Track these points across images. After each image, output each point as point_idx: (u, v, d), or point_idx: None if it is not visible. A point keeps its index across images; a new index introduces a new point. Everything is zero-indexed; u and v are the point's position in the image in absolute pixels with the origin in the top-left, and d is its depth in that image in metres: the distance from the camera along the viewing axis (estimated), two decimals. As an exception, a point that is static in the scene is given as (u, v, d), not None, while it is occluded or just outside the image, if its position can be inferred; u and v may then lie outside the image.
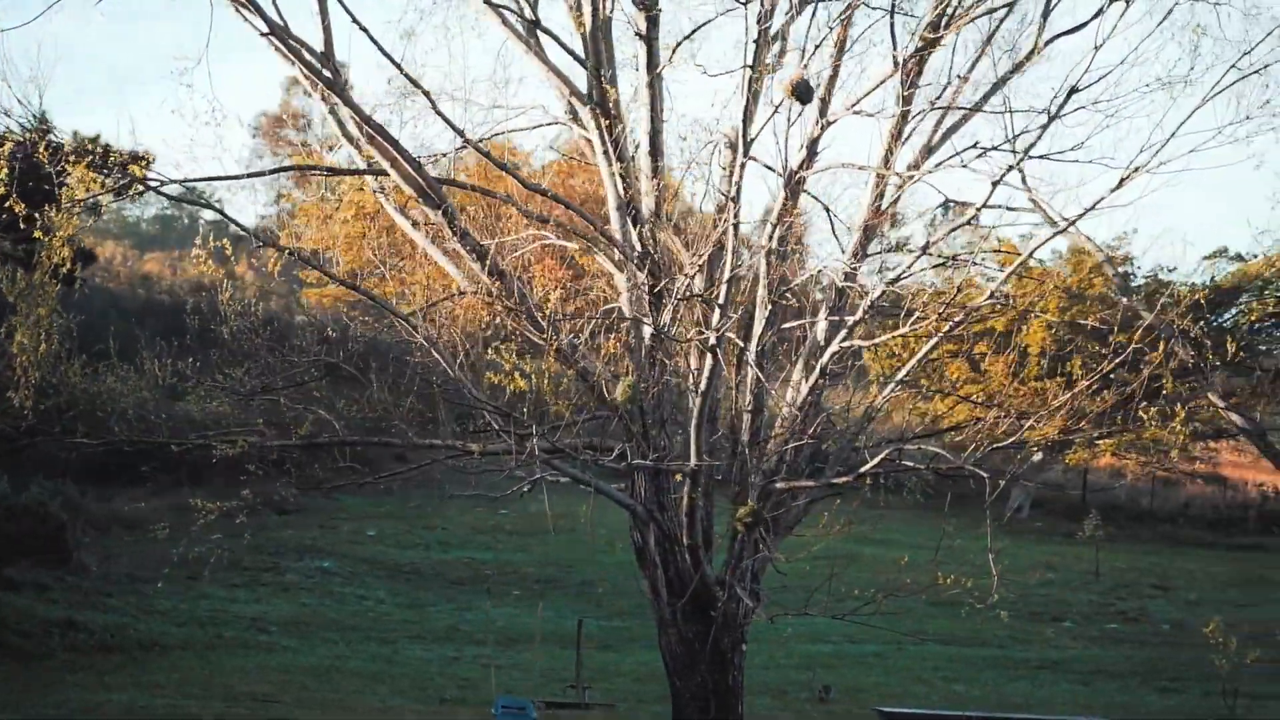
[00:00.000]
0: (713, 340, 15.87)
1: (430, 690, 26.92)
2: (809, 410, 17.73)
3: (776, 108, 16.06)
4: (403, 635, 32.18)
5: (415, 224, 18.32)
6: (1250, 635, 37.76)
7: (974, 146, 17.00)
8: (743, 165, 15.77)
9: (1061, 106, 15.64)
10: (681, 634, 17.74)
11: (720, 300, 15.94)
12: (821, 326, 18.12)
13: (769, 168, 17.99)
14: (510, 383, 16.23)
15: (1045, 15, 17.14)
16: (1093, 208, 16.04)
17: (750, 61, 15.33)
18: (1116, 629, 37.84)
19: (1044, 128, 15.80)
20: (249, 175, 17.97)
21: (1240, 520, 58.61)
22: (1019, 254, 18.01)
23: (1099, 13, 16.25)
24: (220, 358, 17.20)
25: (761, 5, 15.90)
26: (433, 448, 17.78)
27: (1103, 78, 15.73)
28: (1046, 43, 17.04)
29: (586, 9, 17.02)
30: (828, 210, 18.00)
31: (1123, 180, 15.80)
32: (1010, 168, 15.73)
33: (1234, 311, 48.05)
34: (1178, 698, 30.26)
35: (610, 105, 17.29)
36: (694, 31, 17.58)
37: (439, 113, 16.63)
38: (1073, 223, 16.91)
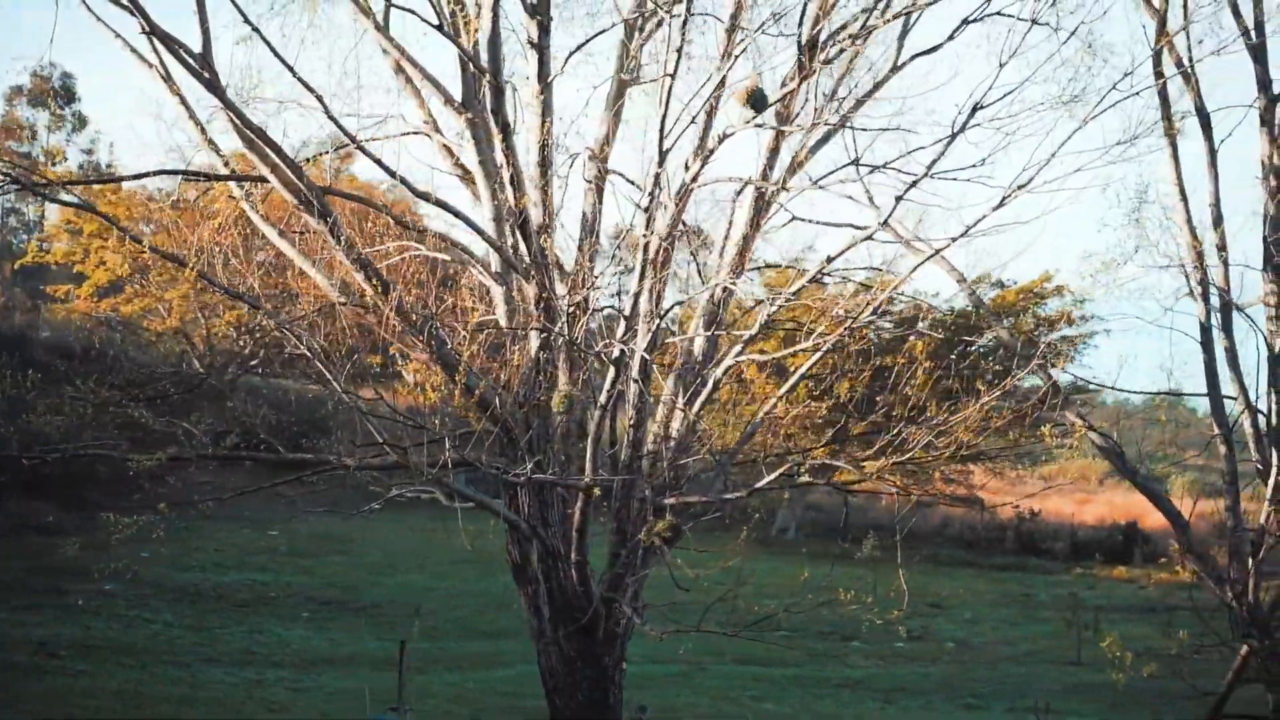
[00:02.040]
0: (616, 352, 15.67)
1: (245, 713, 26.04)
2: (690, 427, 17.63)
3: (659, 123, 15.93)
4: (196, 659, 31.00)
5: (282, 233, 17.80)
6: (1030, 652, 39.21)
7: (854, 163, 17.11)
8: (656, 176, 15.58)
9: (966, 122, 15.76)
10: (563, 652, 17.46)
11: (627, 313, 15.75)
12: (699, 343, 18.04)
13: (631, 182, 18.07)
14: (423, 397, 15.76)
15: (901, 38, 17.33)
16: (975, 225, 16.24)
17: (671, 70, 15.14)
18: (904, 647, 38.49)
19: (948, 143, 15.88)
20: (117, 179, 17.16)
21: (999, 541, 60.51)
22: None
23: (951, 36, 16.54)
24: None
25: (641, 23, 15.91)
26: (303, 463, 17.29)
27: (1005, 96, 15.89)
28: (904, 64, 17.23)
29: (486, 16, 16.64)
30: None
31: (1005, 199, 16.04)
32: (913, 183, 15.81)
33: (988, 338, 49.47)
34: (984, 714, 30.93)
35: (505, 114, 16.94)
36: (587, 42, 17.47)
37: (333, 119, 16.14)
38: (958, 241, 17.06)
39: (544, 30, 17.13)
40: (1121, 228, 20.79)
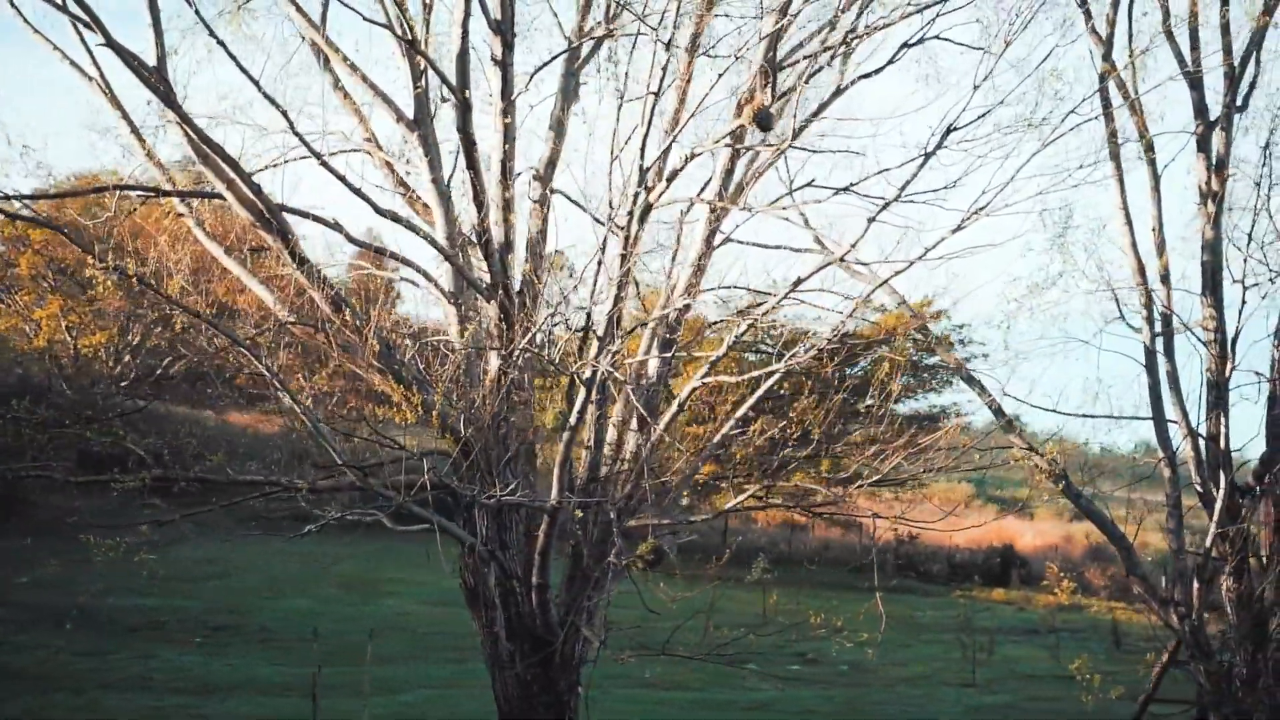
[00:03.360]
0: (588, 373, 15.50)
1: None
2: (652, 448, 17.48)
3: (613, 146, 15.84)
4: (92, 684, 30.20)
5: (228, 250, 17.46)
6: (924, 674, 39.49)
7: (810, 184, 17.14)
8: (636, 202, 15.44)
9: (940, 144, 15.83)
10: (520, 676, 17.19)
11: (600, 333, 15.58)
12: (653, 364, 17.92)
13: (574, 201, 17.97)
14: (398, 414, 15.43)
15: (845, 58, 17.41)
16: (933, 248, 16.32)
17: (655, 89, 15.03)
18: (800, 670, 38.58)
19: (921, 164, 15.96)
20: (67, 194, 16.67)
21: (880, 564, 60.86)
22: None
23: (892, 60, 16.71)
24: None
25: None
26: (252, 484, 16.91)
27: (980, 118, 15.98)
28: (847, 86, 17.32)
29: (455, 33, 16.39)
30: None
31: (963, 222, 16.14)
32: (885, 205, 15.86)
33: (866, 362, 49.90)
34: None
35: (471, 130, 16.70)
36: (553, 60, 17.31)
37: (298, 136, 15.84)
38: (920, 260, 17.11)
39: (508, 47, 16.97)
40: (1045, 252, 20.95)
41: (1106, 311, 21.27)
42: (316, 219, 17.06)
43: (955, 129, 15.77)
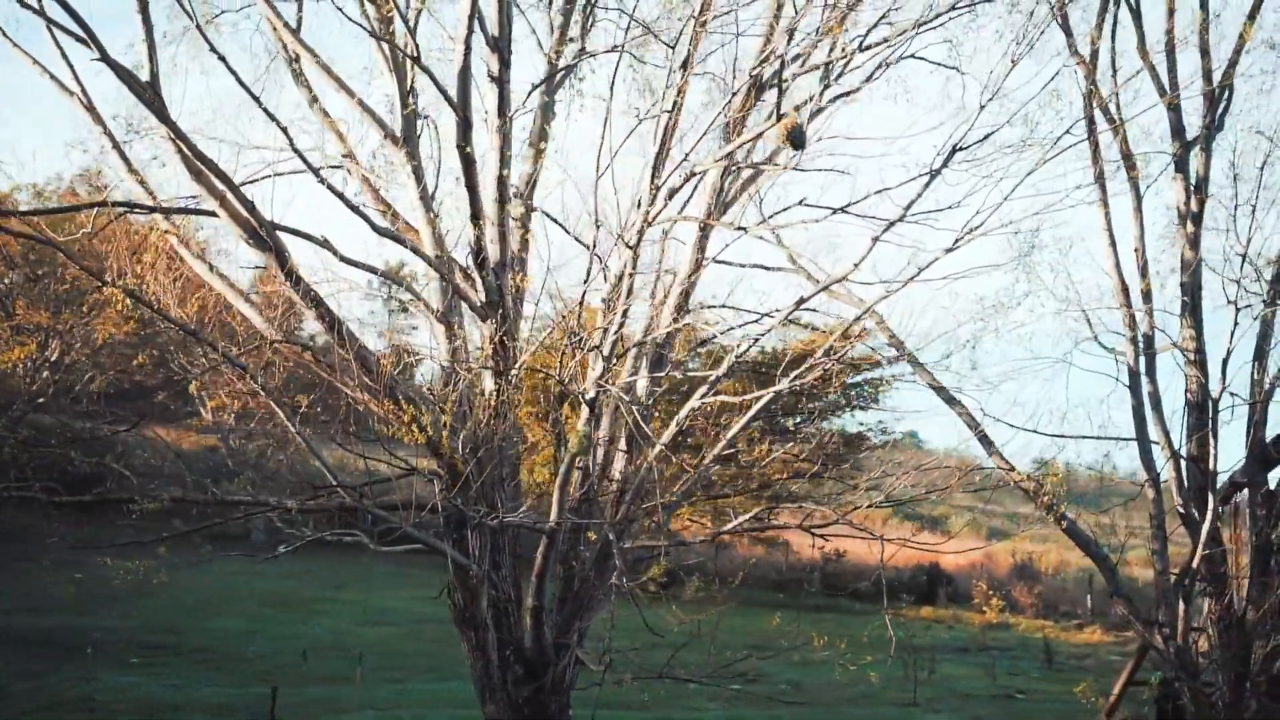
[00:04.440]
0: (591, 394, 15.37)
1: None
2: (649, 469, 17.36)
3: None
4: (34, 706, 29.65)
5: (212, 268, 17.24)
6: (866, 694, 39.53)
7: (801, 203, 17.09)
8: (648, 220, 15.33)
9: (945, 163, 15.80)
10: (511, 699, 17.00)
11: (606, 351, 15.44)
12: (642, 384, 17.82)
13: (560, 224, 17.85)
14: (407, 434, 15.21)
15: (825, 80, 17.41)
16: (926, 267, 16.31)
17: (669, 106, 14.95)
18: (742, 689, 38.50)
19: (927, 183, 15.90)
20: (59, 210, 16.33)
21: (804, 582, 61.13)
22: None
23: (870, 77, 16.76)
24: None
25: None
26: (239, 504, 16.65)
27: (987, 137, 15.99)
28: (827, 104, 17.31)
29: (458, 50, 16.20)
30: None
31: (957, 243, 16.14)
32: (890, 224, 15.79)
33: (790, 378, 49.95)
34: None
35: (470, 148, 16.51)
36: (551, 75, 17.19)
37: (298, 153, 15.62)
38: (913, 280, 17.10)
39: (505, 64, 16.83)
40: (1010, 271, 21.01)
41: (1073, 331, 21.35)
42: (306, 237, 16.82)
43: (961, 148, 15.74)
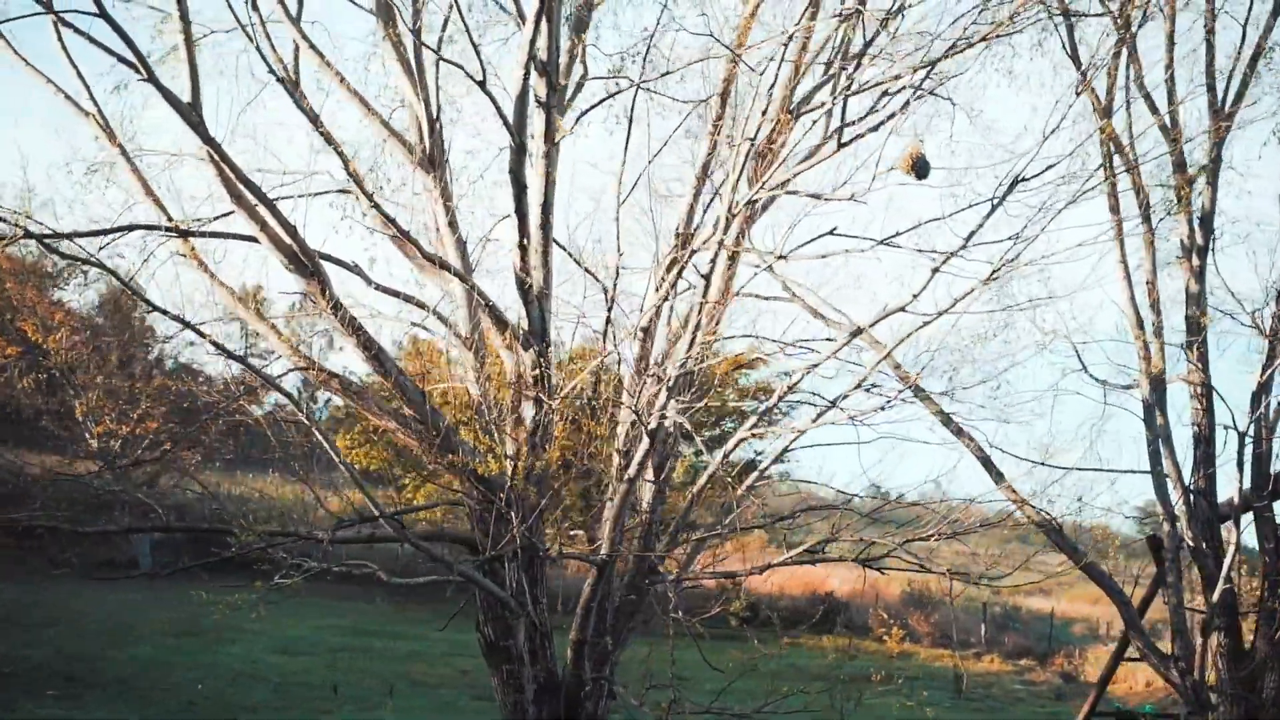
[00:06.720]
0: (654, 423, 15.22)
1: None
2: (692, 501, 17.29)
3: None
4: (-46, 739, 28.77)
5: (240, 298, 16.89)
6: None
7: (832, 232, 17.03)
8: (722, 245, 15.23)
9: (1007, 193, 15.79)
10: (542, 734, 16.78)
11: (671, 382, 15.29)
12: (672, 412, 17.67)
13: (564, 249, 17.72)
14: (483, 467, 14.93)
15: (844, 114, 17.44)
16: (961, 299, 16.35)
17: (751, 135, 14.86)
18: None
19: (989, 213, 15.85)
20: (100, 232, 15.85)
21: (701, 610, 60.87)
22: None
23: (893, 115, 16.77)
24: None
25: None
26: (272, 534, 16.27)
27: (1048, 168, 16.04)
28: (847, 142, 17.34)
29: (516, 74, 15.99)
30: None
31: (994, 274, 16.18)
32: (950, 255, 15.74)
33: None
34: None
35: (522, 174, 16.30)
36: (599, 103, 17.06)
37: (353, 177, 15.41)
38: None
39: (552, 89, 16.60)
40: (990, 299, 21.12)
41: (1061, 363, 21.45)
42: (346, 265, 16.53)
43: (1023, 179, 15.74)
